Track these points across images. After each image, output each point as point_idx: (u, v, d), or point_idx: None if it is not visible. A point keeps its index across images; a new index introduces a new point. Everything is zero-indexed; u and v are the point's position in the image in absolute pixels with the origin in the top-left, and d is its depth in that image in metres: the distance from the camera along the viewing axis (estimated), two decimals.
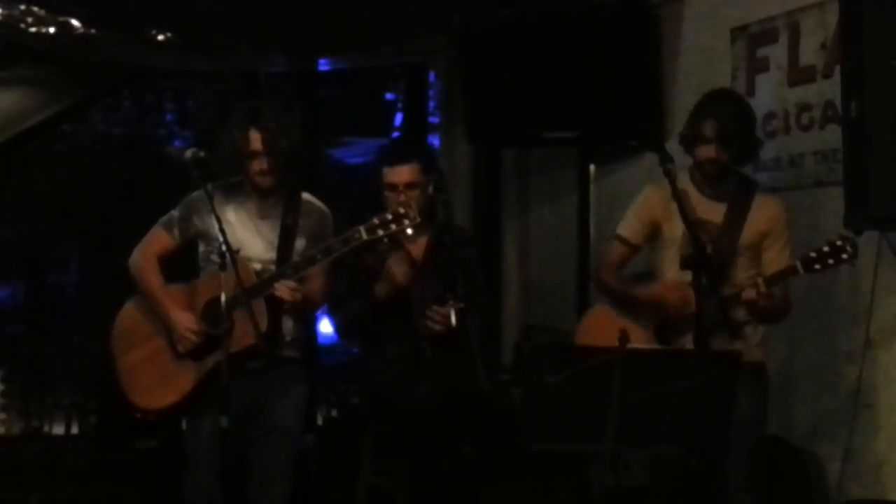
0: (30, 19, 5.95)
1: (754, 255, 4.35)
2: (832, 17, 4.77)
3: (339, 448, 5.71)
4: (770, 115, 5.25)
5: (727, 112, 4.32)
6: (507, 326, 6.87)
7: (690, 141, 4.36)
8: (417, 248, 4.66)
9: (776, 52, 5.23)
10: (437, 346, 4.53)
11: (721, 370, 3.60)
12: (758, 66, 5.33)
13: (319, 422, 6.79)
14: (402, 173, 4.60)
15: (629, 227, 4.50)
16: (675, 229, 4.34)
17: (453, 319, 4.32)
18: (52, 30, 6.01)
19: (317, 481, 5.51)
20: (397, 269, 4.51)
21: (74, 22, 6.04)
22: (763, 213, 4.36)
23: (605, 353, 3.53)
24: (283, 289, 4.16)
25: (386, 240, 4.24)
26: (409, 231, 4.22)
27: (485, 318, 4.75)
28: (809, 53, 5.06)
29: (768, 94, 5.26)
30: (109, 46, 6.28)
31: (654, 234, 4.45)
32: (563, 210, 6.56)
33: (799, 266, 4.12)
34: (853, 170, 4.23)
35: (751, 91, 5.35)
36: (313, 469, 5.57)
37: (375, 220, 4.15)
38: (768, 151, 5.24)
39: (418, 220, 4.17)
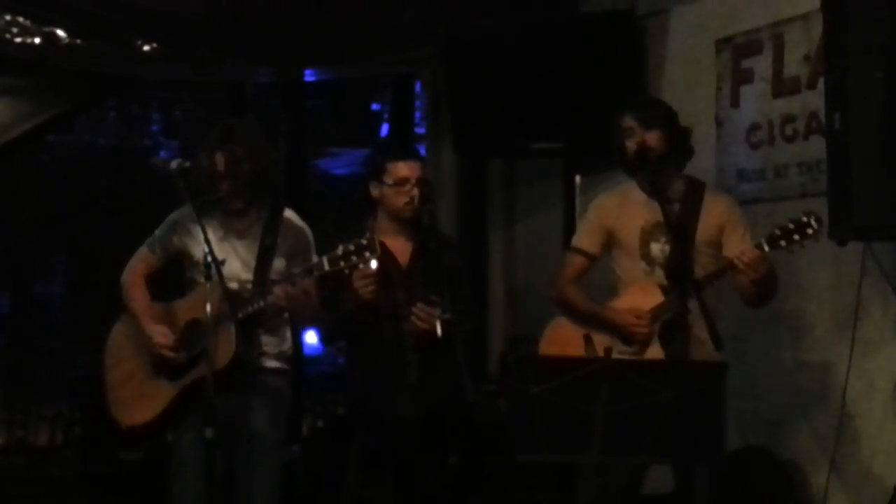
0: (15, 29, 5.95)
1: (715, 252, 4.35)
2: (816, 28, 4.78)
3: (325, 459, 5.70)
4: (754, 127, 5.26)
5: (640, 101, 4.54)
6: (493, 337, 6.87)
7: (620, 143, 4.38)
8: (403, 255, 4.64)
9: (761, 64, 5.24)
10: (422, 357, 4.52)
11: (706, 380, 3.60)
12: (742, 78, 5.34)
13: (305, 432, 6.78)
14: (414, 168, 4.54)
15: (584, 238, 4.55)
16: (631, 233, 4.40)
17: (439, 330, 4.31)
18: (37, 40, 6.01)
19: (302, 492, 5.51)
20: (361, 285, 4.38)
21: (60, 32, 6.03)
22: (714, 207, 4.39)
23: (591, 364, 3.53)
24: (280, 299, 4.17)
25: (347, 271, 4.20)
26: (374, 263, 4.19)
27: (472, 325, 4.75)
28: (794, 65, 5.08)
29: (753, 106, 5.28)
30: (95, 57, 6.28)
31: (608, 241, 4.50)
32: (549, 220, 6.57)
33: (763, 243, 4.10)
34: (837, 181, 4.24)
35: (735, 102, 5.37)
36: (299, 480, 5.56)
37: (339, 251, 4.12)
38: (753, 162, 5.26)
39: (379, 252, 4.13)
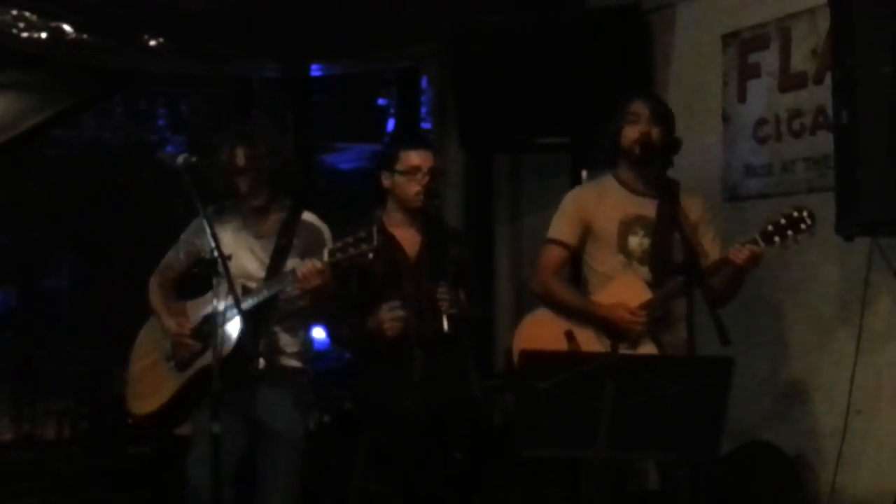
0: (22, 24, 5.95)
1: None
2: (823, 23, 4.78)
3: (332, 454, 5.70)
4: (761, 122, 5.26)
5: (654, 95, 4.56)
6: (500, 332, 6.86)
7: (618, 127, 4.36)
8: (412, 247, 4.62)
9: (767, 59, 5.23)
10: (428, 354, 4.51)
11: (714, 376, 3.60)
12: (749, 73, 5.33)
13: (312, 427, 6.78)
14: (426, 157, 4.52)
15: (562, 229, 4.49)
16: (609, 224, 4.37)
17: (445, 325, 4.31)
18: (44, 35, 6.01)
19: (309, 487, 5.50)
20: (390, 327, 4.38)
21: (67, 27, 6.03)
22: (690, 207, 4.36)
23: (598, 360, 3.53)
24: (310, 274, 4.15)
25: (345, 263, 4.17)
26: (371, 256, 4.15)
27: (483, 315, 4.74)
28: (801, 60, 5.07)
29: (760, 101, 5.27)
30: (101, 52, 6.28)
31: (585, 234, 4.45)
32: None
33: (759, 239, 4.06)
34: (844, 176, 4.24)
35: (742, 97, 5.36)
36: (305, 474, 5.55)
37: (338, 244, 4.13)
38: (759, 157, 5.26)
39: (376, 244, 4.08)
